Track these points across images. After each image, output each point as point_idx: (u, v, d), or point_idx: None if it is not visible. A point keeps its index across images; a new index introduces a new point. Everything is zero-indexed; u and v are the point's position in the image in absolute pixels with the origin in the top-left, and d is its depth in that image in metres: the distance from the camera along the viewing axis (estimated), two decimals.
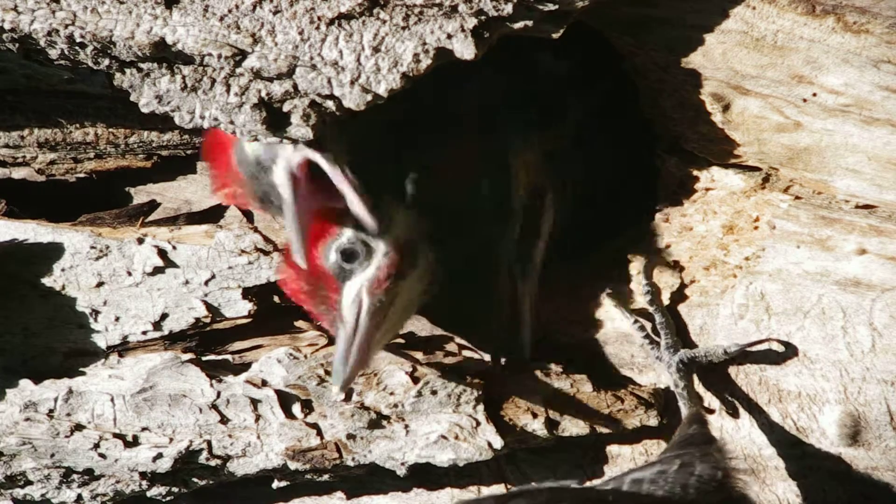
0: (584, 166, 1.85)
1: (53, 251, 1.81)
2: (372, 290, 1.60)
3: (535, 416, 1.73)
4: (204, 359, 1.81)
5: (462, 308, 1.81)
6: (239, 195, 1.60)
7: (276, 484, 1.80)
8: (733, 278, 1.69)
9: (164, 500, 1.81)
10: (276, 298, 1.80)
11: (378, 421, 1.72)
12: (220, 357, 1.83)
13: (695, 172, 1.71)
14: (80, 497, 1.79)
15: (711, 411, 1.72)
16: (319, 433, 1.74)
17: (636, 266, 1.75)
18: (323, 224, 1.60)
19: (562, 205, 1.79)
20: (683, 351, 1.69)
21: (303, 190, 1.54)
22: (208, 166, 1.63)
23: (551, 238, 1.78)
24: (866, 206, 1.60)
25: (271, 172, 1.54)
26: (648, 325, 1.73)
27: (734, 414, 1.71)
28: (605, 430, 1.74)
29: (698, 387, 1.72)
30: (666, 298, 1.73)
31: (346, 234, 1.61)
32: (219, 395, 1.76)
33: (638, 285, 1.74)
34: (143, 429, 1.76)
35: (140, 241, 1.81)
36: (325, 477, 1.77)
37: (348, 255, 1.60)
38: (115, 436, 1.76)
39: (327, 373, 1.74)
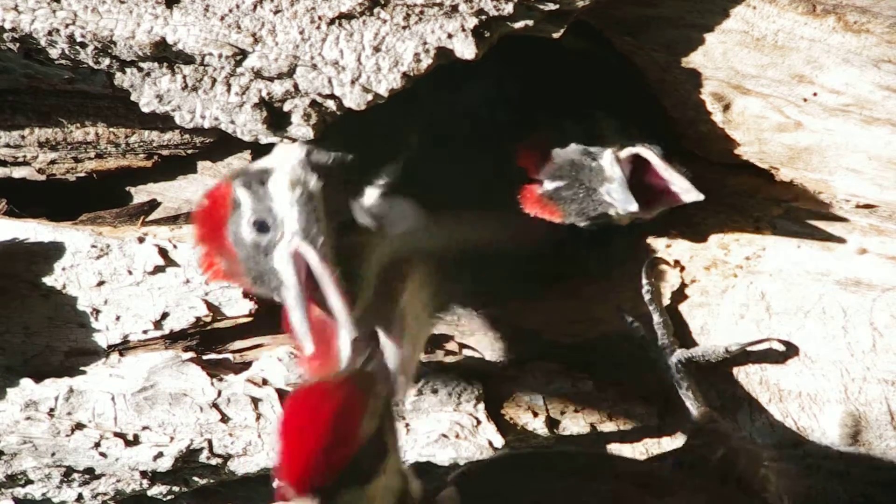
0: None
1: (54, 250, 1.81)
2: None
3: (535, 414, 1.74)
4: (205, 358, 1.81)
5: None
6: (230, 272, 1.54)
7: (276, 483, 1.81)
8: (734, 278, 1.69)
9: (164, 499, 1.82)
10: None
11: None
12: (220, 356, 1.83)
13: (695, 172, 1.71)
14: (80, 496, 1.79)
15: (716, 408, 1.72)
16: None
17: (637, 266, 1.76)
18: None
19: None
20: (681, 351, 1.69)
21: (304, 277, 1.48)
22: (198, 244, 1.56)
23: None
24: (867, 206, 1.60)
25: (271, 257, 1.49)
26: (647, 326, 1.73)
27: (734, 414, 1.71)
28: (605, 430, 1.74)
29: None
30: (666, 298, 1.73)
31: None
32: (219, 393, 1.76)
33: (639, 285, 1.74)
34: (144, 428, 1.76)
35: (141, 240, 1.81)
36: None
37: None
38: (116, 435, 1.76)
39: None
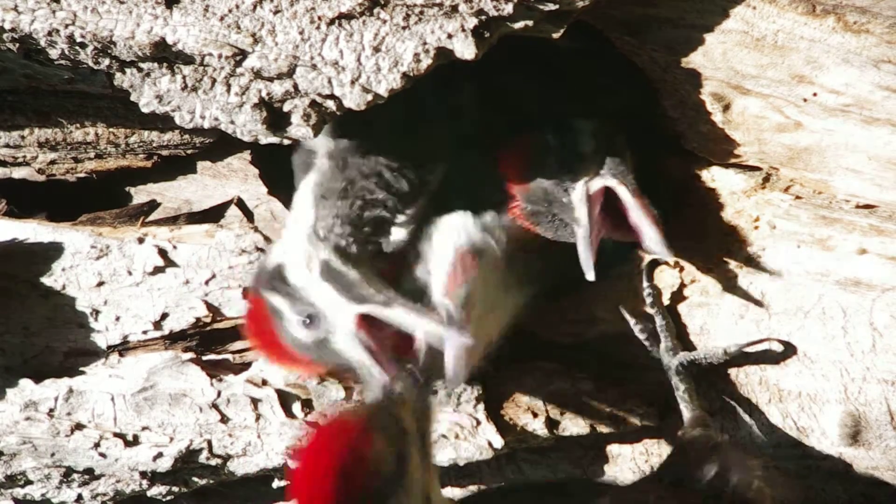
0: None
1: (54, 251, 1.80)
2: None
3: (535, 415, 1.73)
4: (204, 358, 1.81)
5: None
6: (309, 367, 1.62)
7: (276, 483, 1.81)
8: (734, 278, 1.69)
9: (164, 500, 1.82)
10: None
11: None
12: (220, 356, 1.83)
13: (695, 172, 1.71)
14: (80, 496, 1.79)
15: (712, 413, 1.72)
16: None
17: (637, 266, 1.76)
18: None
19: None
20: (683, 353, 1.69)
21: (369, 342, 1.53)
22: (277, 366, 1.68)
23: None
24: (867, 206, 1.60)
25: (330, 342, 1.54)
26: (649, 327, 1.73)
27: (734, 414, 1.71)
28: (605, 430, 1.74)
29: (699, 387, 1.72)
30: (666, 298, 1.73)
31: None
32: (219, 394, 1.76)
33: (639, 286, 1.74)
34: (144, 428, 1.76)
35: (140, 240, 1.81)
36: None
37: None
38: (116, 435, 1.76)
39: (328, 371, 1.74)
